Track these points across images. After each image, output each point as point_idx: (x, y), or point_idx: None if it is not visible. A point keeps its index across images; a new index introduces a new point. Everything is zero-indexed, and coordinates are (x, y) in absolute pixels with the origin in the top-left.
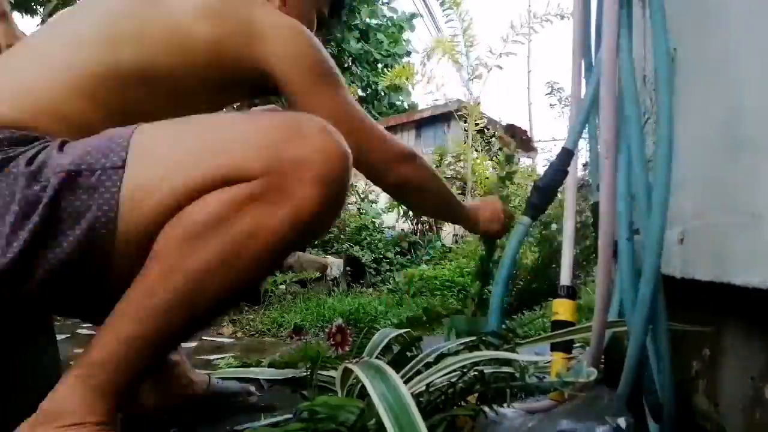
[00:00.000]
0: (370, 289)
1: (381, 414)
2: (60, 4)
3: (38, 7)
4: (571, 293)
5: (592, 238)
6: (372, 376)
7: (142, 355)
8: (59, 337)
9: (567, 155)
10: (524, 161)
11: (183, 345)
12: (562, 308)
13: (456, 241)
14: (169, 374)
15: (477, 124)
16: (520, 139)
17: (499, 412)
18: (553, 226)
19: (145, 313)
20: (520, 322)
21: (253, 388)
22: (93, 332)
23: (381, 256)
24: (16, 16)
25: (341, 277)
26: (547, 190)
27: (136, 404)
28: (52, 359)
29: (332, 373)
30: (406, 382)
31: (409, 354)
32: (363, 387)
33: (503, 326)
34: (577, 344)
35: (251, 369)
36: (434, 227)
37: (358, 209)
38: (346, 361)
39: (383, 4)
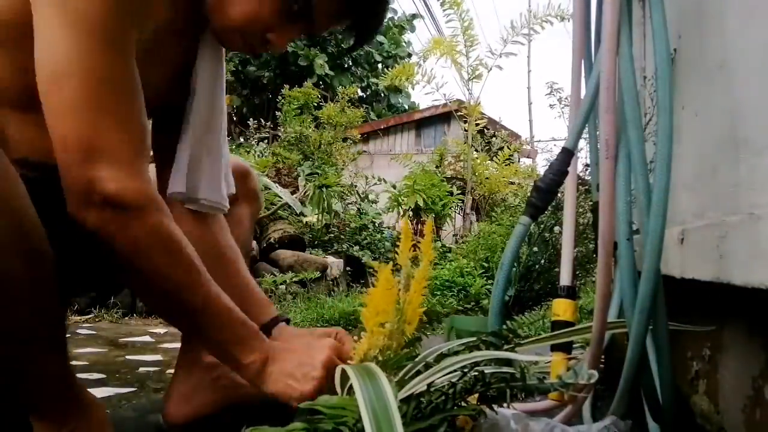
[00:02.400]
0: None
1: (363, 418)
2: None
3: None
4: (571, 293)
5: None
6: (363, 380)
7: None
8: None
9: (567, 155)
10: (524, 161)
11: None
12: (561, 308)
13: (456, 242)
14: (204, 378)
15: (477, 124)
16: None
17: (499, 412)
18: (556, 229)
19: None
20: (520, 322)
21: None
22: (94, 332)
23: (381, 256)
24: None
25: (341, 277)
26: (547, 190)
27: (169, 413)
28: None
29: None
30: (406, 383)
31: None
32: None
33: (503, 327)
34: (577, 344)
35: None
36: (434, 227)
37: (358, 209)
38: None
39: None
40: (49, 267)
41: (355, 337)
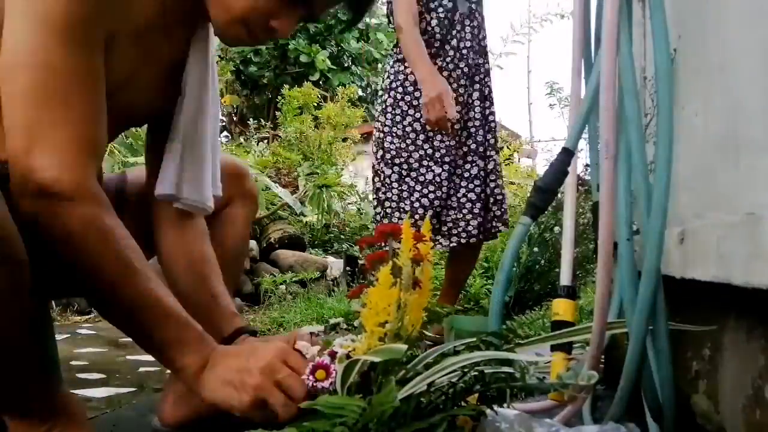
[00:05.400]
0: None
1: None
2: None
3: None
4: (571, 293)
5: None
6: None
7: None
8: (59, 337)
9: (567, 155)
10: (524, 161)
11: None
12: (561, 308)
13: None
14: None
15: None
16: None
17: (503, 413)
18: (556, 229)
19: None
20: (520, 322)
21: None
22: (94, 332)
23: None
24: None
25: (341, 277)
26: (547, 190)
27: (164, 415)
28: (52, 359)
29: None
30: (406, 382)
31: (409, 353)
32: (364, 386)
33: (503, 327)
34: (577, 344)
35: None
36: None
37: (358, 209)
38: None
39: (383, 3)
40: (26, 273)
41: (352, 337)
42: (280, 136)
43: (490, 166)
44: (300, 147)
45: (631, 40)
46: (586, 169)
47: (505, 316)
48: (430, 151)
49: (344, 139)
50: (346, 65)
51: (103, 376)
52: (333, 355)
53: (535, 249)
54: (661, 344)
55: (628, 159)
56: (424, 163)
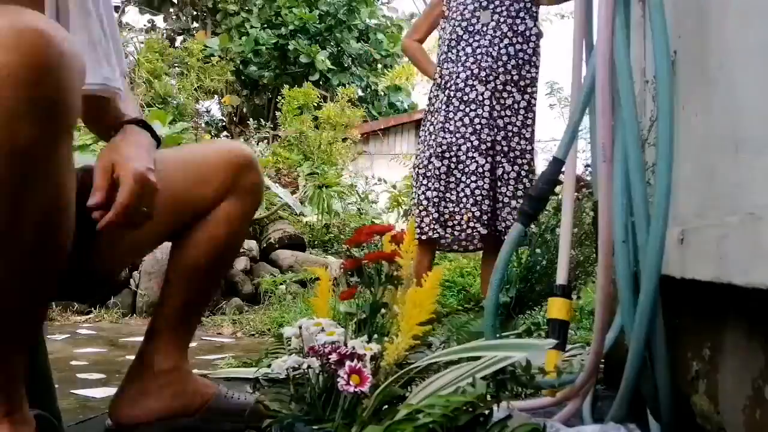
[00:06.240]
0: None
1: None
2: None
3: None
4: (567, 292)
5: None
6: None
7: None
8: (59, 337)
9: (557, 165)
10: None
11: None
12: (557, 307)
13: None
14: (151, 385)
15: None
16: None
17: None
18: (558, 230)
19: None
20: (519, 322)
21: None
22: (94, 332)
23: None
24: None
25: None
26: (538, 198)
27: (118, 416)
28: (41, 358)
29: None
30: (407, 384)
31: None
32: None
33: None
34: (577, 344)
35: (251, 369)
36: None
37: (358, 209)
38: None
39: (383, 4)
40: (62, 264)
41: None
42: (280, 136)
43: (516, 169)
44: (300, 147)
45: (628, 43)
46: (587, 170)
47: (506, 317)
48: (439, 150)
49: (344, 139)
50: (345, 65)
51: (103, 376)
52: (348, 355)
53: (537, 250)
54: (659, 347)
55: (625, 162)
56: (424, 159)
